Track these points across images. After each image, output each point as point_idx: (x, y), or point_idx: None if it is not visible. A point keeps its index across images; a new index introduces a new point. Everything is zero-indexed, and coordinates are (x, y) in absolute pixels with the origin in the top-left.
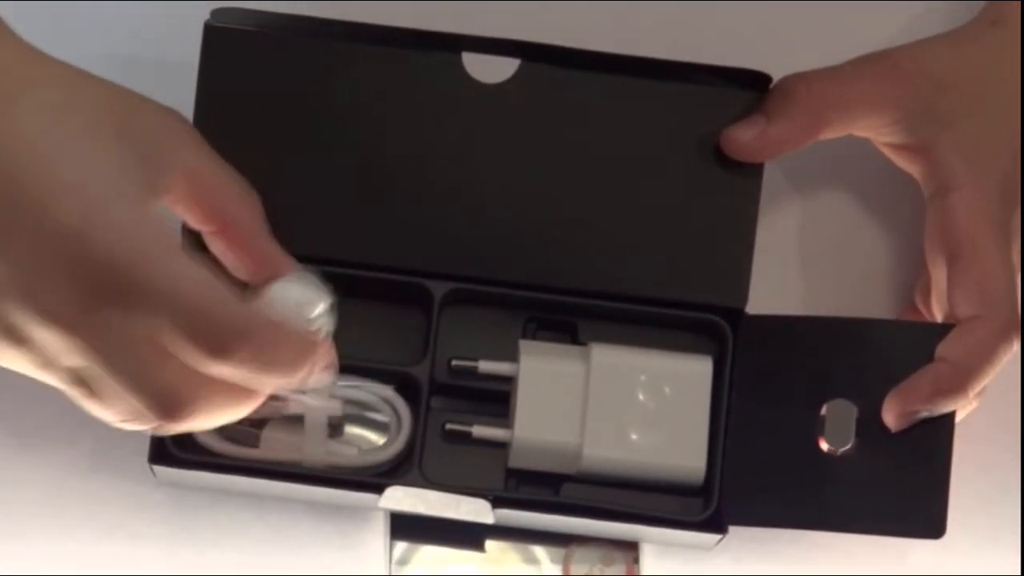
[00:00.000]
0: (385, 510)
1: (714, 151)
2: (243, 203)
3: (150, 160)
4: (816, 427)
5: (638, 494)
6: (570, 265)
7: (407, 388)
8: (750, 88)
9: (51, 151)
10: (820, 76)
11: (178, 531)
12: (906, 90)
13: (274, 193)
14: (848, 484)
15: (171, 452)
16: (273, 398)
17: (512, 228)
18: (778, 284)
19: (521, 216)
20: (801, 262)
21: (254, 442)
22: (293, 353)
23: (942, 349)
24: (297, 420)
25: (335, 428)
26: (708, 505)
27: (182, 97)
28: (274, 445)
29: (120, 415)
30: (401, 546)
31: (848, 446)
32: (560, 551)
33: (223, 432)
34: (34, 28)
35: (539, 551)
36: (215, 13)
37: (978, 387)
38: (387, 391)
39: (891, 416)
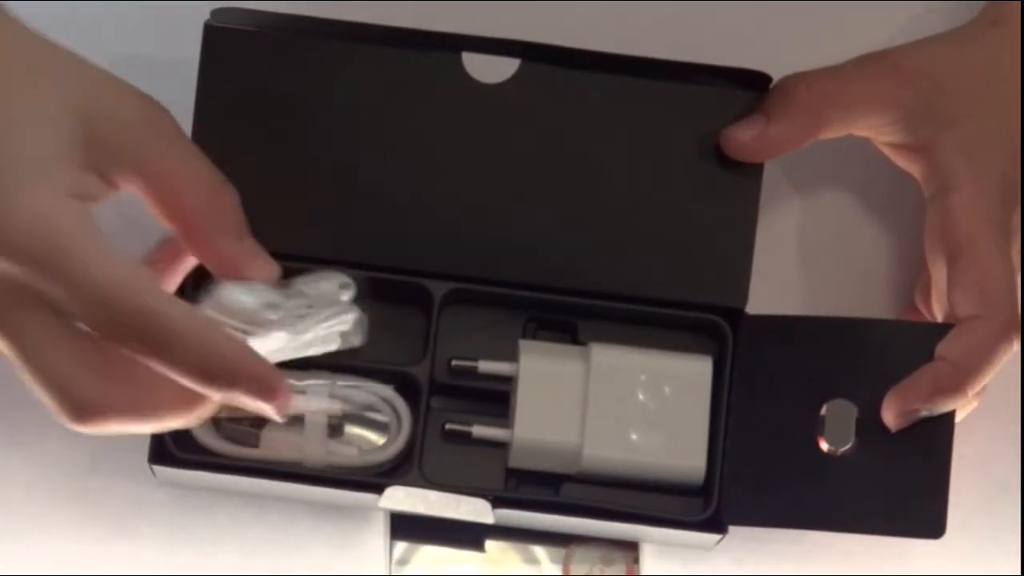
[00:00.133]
0: (385, 510)
1: (714, 151)
2: (208, 201)
3: (102, 146)
4: (816, 427)
5: (638, 494)
6: (570, 265)
7: (407, 388)
8: (750, 88)
9: None
10: (820, 76)
11: (178, 531)
12: (906, 90)
13: (274, 193)
14: (848, 484)
15: (171, 452)
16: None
17: (512, 228)
18: (778, 284)
19: (521, 216)
20: (801, 262)
21: (254, 442)
22: (208, 362)
23: (942, 348)
24: (297, 420)
25: (335, 428)
26: (708, 505)
27: (182, 97)
28: (274, 445)
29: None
30: (401, 546)
31: (848, 446)
32: (560, 551)
33: (223, 432)
34: (35, 28)
35: (539, 551)
36: (215, 13)
37: (977, 387)
38: (387, 391)
39: (890, 415)
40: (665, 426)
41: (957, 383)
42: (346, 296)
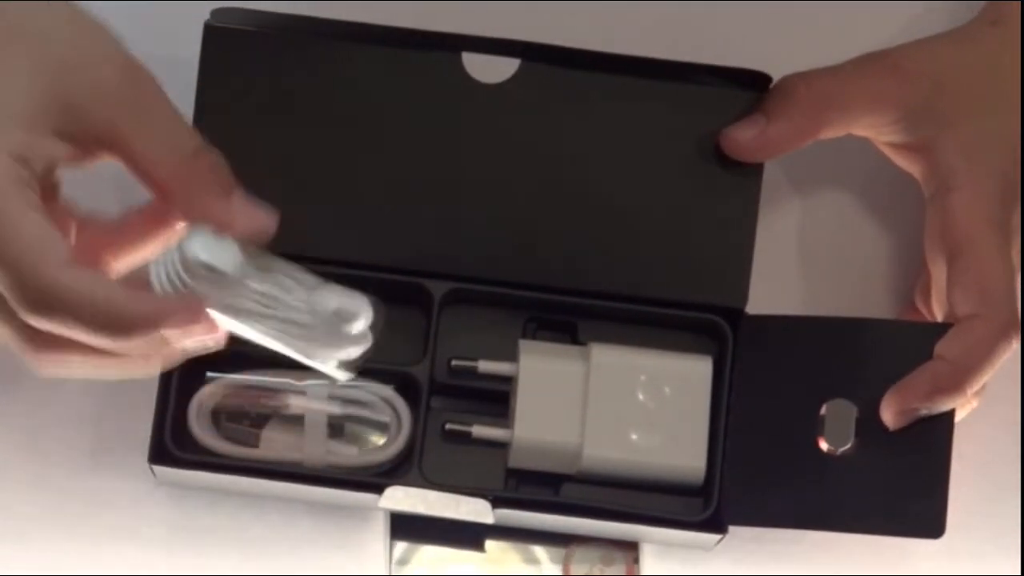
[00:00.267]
0: (385, 510)
1: (714, 151)
2: (187, 168)
3: (74, 113)
4: (816, 427)
5: (638, 494)
6: (570, 265)
7: (407, 388)
8: (750, 88)
9: None
10: (820, 75)
11: (178, 531)
12: (906, 89)
13: (274, 193)
14: (848, 484)
15: (171, 452)
16: (273, 398)
17: (512, 228)
18: (778, 284)
19: (521, 216)
20: (801, 262)
21: (254, 442)
22: (112, 321)
23: (941, 347)
24: (297, 420)
25: (335, 428)
26: (708, 505)
27: (182, 96)
28: (274, 445)
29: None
30: (401, 546)
31: (848, 446)
32: (560, 551)
33: (223, 432)
34: None
35: (539, 551)
36: (215, 13)
37: (976, 386)
38: (387, 391)
39: (889, 414)
40: (665, 426)
41: (956, 382)
42: (354, 327)
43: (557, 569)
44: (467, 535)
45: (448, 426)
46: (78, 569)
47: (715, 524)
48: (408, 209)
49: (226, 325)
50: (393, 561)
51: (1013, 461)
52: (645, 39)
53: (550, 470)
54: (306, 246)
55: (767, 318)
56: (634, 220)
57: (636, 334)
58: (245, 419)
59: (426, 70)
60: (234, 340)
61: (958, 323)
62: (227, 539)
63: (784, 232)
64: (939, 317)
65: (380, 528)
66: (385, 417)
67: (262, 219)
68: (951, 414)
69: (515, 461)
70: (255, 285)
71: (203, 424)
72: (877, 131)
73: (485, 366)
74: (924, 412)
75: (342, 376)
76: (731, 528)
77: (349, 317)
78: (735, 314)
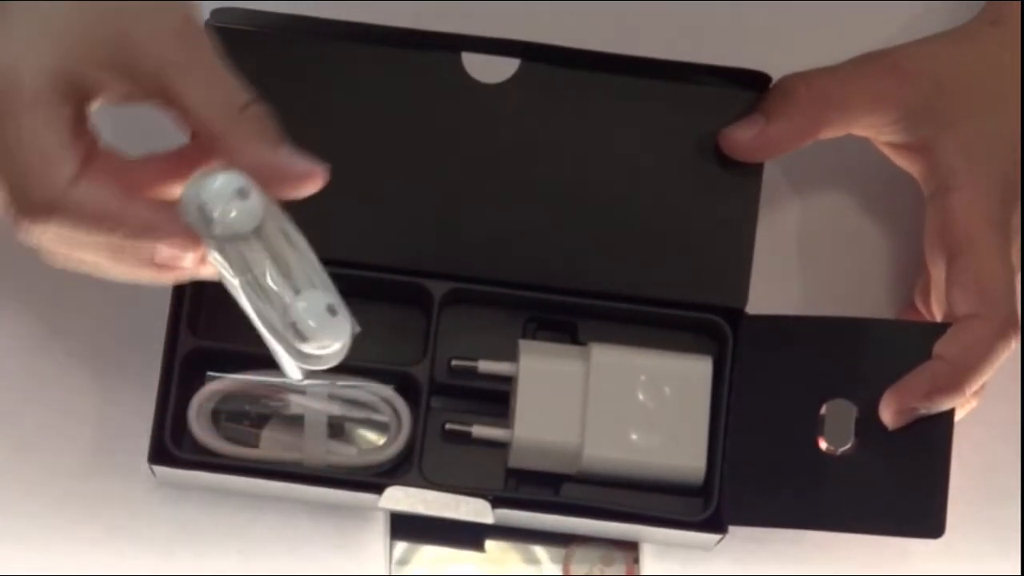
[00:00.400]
0: (385, 510)
1: (714, 151)
2: (235, 122)
3: (126, 44)
4: (816, 427)
5: (638, 494)
6: (570, 265)
7: (407, 388)
8: (750, 88)
9: None
10: (819, 75)
11: (178, 531)
12: (906, 89)
13: None
14: (847, 484)
15: (171, 452)
16: (273, 397)
17: (512, 228)
18: (778, 284)
19: (521, 216)
20: (801, 262)
21: (254, 442)
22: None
23: (940, 347)
24: (297, 420)
25: (335, 428)
26: (708, 505)
27: None
28: (274, 445)
29: None
30: (401, 546)
31: (847, 446)
32: (560, 551)
33: (223, 432)
34: None
35: (539, 551)
36: (215, 13)
37: (975, 385)
38: (387, 391)
39: (888, 413)
40: (665, 426)
41: (955, 382)
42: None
43: (557, 569)
44: (467, 535)
45: (448, 426)
46: (78, 569)
47: (715, 524)
48: (408, 209)
49: (215, 267)
50: (393, 561)
51: (1013, 461)
52: (645, 39)
53: (550, 470)
54: None
55: (767, 318)
56: (634, 220)
57: (636, 334)
58: (245, 419)
59: (426, 70)
60: (234, 340)
61: (957, 323)
62: (227, 539)
63: (784, 232)
64: (939, 317)
65: (380, 528)
66: (385, 417)
67: (310, 169)
68: (951, 414)
69: (515, 461)
70: (256, 248)
71: (203, 424)
72: (877, 131)
73: (485, 366)
74: (923, 412)
75: (293, 375)
76: (731, 528)
77: (312, 335)
78: (735, 314)
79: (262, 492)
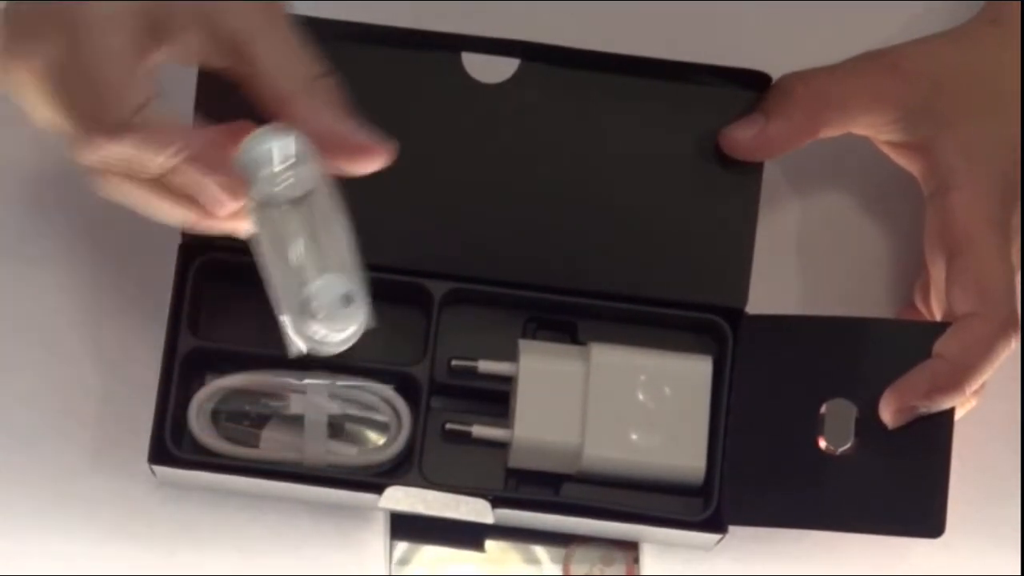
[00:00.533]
0: (385, 510)
1: (714, 151)
2: (306, 92)
3: (212, 7)
4: (816, 427)
5: (638, 494)
6: (570, 265)
7: (407, 388)
8: (750, 88)
9: None
10: (819, 75)
11: (178, 531)
12: (905, 88)
13: None
14: (847, 483)
15: (171, 452)
16: (273, 397)
17: (512, 228)
18: (778, 284)
19: (521, 216)
20: (801, 262)
21: (254, 442)
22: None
23: (939, 346)
24: (297, 420)
25: (335, 428)
26: (708, 505)
27: (182, 97)
28: (274, 445)
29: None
30: (401, 546)
31: (847, 445)
32: (560, 551)
33: (223, 432)
34: None
35: (539, 551)
36: None
37: (975, 385)
38: (387, 391)
39: (888, 412)
40: (665, 426)
41: (954, 381)
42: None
43: (557, 569)
44: (467, 535)
45: (448, 426)
46: (78, 569)
47: (715, 524)
48: (408, 209)
49: (246, 227)
50: (393, 561)
51: (1013, 460)
52: (645, 39)
53: (550, 470)
54: None
55: (767, 318)
56: (634, 220)
57: (636, 334)
58: (245, 419)
59: (426, 70)
60: (234, 340)
61: (957, 322)
62: (227, 539)
63: (784, 232)
64: (939, 316)
65: (380, 528)
66: (385, 417)
67: (374, 144)
68: (951, 413)
69: (515, 461)
70: (294, 217)
71: (203, 424)
72: (876, 130)
73: (485, 366)
74: (923, 411)
75: (292, 351)
76: (731, 528)
77: (319, 317)
78: (735, 314)
79: (262, 492)
